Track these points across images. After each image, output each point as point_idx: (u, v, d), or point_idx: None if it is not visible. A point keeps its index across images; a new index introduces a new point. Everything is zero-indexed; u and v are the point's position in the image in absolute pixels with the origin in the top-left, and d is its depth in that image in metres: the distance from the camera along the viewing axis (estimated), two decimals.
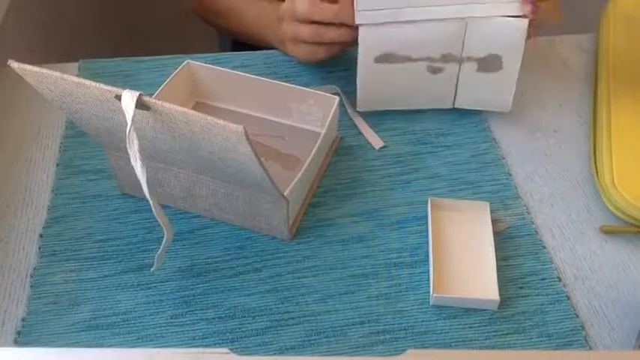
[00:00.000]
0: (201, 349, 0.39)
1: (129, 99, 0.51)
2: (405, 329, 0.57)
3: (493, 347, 0.56)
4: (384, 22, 0.67)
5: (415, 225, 0.65)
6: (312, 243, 0.63)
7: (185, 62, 0.72)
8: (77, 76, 0.54)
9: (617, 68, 0.78)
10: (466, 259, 0.61)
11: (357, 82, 0.72)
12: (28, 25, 0.95)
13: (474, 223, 0.64)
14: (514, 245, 0.64)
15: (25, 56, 0.89)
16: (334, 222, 0.65)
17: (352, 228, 0.65)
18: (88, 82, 0.52)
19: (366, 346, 0.56)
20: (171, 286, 0.60)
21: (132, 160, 0.52)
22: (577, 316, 0.58)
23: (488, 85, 0.72)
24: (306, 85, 0.74)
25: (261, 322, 0.58)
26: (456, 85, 0.72)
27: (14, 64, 0.53)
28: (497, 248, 0.62)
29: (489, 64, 0.70)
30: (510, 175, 0.70)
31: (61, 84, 0.53)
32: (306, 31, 0.71)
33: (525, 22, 0.67)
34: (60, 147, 0.72)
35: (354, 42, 0.69)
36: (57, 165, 0.70)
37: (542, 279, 0.61)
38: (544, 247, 0.63)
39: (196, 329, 0.57)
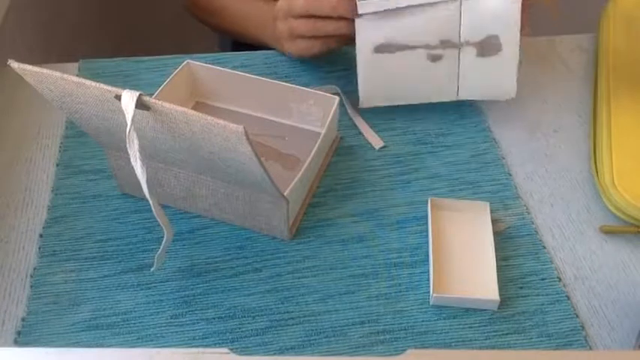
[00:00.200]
0: (201, 349, 0.39)
1: (129, 99, 0.51)
2: (405, 329, 0.57)
3: (493, 347, 0.56)
4: (383, 10, 0.67)
5: (415, 225, 0.65)
6: (312, 243, 0.63)
7: (185, 62, 0.72)
8: (77, 76, 0.54)
9: (617, 68, 0.78)
10: (466, 259, 0.62)
11: (358, 77, 0.72)
12: (28, 25, 0.95)
13: (474, 223, 0.64)
14: (514, 245, 0.64)
15: (25, 56, 0.89)
16: (334, 222, 0.65)
17: (352, 228, 0.65)
18: (88, 82, 0.52)
19: (366, 346, 0.56)
20: (171, 286, 0.60)
21: (132, 160, 0.52)
22: (577, 316, 0.58)
23: (490, 71, 0.72)
24: (306, 85, 0.74)
25: (261, 322, 0.58)
26: (458, 73, 0.72)
27: (14, 64, 0.53)
28: (497, 248, 0.62)
29: (488, 47, 0.70)
30: (510, 175, 0.70)
31: (61, 84, 0.53)
32: (302, 25, 0.71)
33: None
34: (60, 147, 0.72)
35: (352, 36, 0.69)
36: (57, 165, 0.70)
37: (542, 279, 0.61)
38: (544, 247, 0.63)
39: (196, 329, 0.57)
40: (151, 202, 0.54)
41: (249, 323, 0.57)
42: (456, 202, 0.65)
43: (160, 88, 0.69)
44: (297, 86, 0.70)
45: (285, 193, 0.58)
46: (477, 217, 0.64)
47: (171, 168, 0.61)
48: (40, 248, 0.62)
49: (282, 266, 0.61)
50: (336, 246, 0.63)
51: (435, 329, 0.57)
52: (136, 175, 0.53)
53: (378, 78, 0.72)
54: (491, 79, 0.73)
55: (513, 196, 0.68)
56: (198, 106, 0.74)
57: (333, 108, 0.67)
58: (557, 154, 0.73)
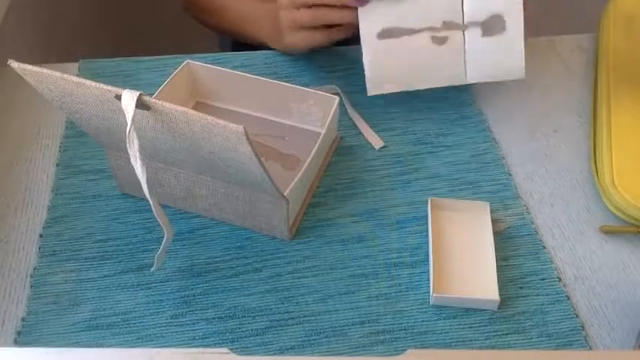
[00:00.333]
0: (201, 349, 0.39)
1: (129, 99, 0.51)
2: (405, 329, 0.57)
3: (493, 347, 0.56)
4: None
5: (415, 225, 0.65)
6: (312, 243, 0.63)
7: (185, 62, 0.72)
8: (77, 76, 0.54)
9: (617, 68, 0.78)
10: (466, 259, 0.62)
11: (364, 64, 0.71)
12: (28, 25, 0.95)
13: (474, 223, 0.64)
14: (514, 245, 0.64)
15: (25, 56, 0.89)
16: (334, 222, 0.65)
17: (352, 228, 0.65)
18: (88, 82, 0.51)
19: (366, 346, 0.56)
20: (171, 286, 0.60)
21: (132, 160, 0.52)
22: (577, 316, 0.58)
23: (497, 51, 0.71)
24: (306, 85, 0.74)
25: (261, 322, 0.58)
26: (465, 55, 0.72)
27: (14, 64, 0.53)
28: (497, 248, 0.62)
29: (492, 26, 0.70)
30: (510, 175, 0.70)
31: (61, 84, 0.53)
32: (305, 14, 0.71)
33: None
34: (60, 147, 0.72)
35: (354, 25, 0.69)
36: (57, 165, 0.70)
37: (542, 279, 0.61)
38: (544, 247, 0.63)
39: (196, 329, 0.57)
40: (151, 202, 0.54)
41: (249, 323, 0.57)
42: (456, 202, 0.65)
43: (160, 88, 0.69)
44: (297, 86, 0.70)
45: (285, 193, 0.58)
46: (477, 217, 0.64)
47: (171, 168, 0.61)
48: (40, 248, 0.62)
49: (282, 266, 0.61)
50: (336, 246, 0.63)
51: (435, 329, 0.57)
52: (136, 175, 0.53)
53: (384, 64, 0.72)
54: (498, 59, 0.72)
55: (513, 196, 0.68)
56: (199, 106, 0.74)
57: (333, 108, 0.67)
58: (557, 154, 0.73)
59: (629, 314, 0.59)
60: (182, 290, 0.60)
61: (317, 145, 0.64)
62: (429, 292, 0.59)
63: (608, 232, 0.65)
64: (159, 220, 0.55)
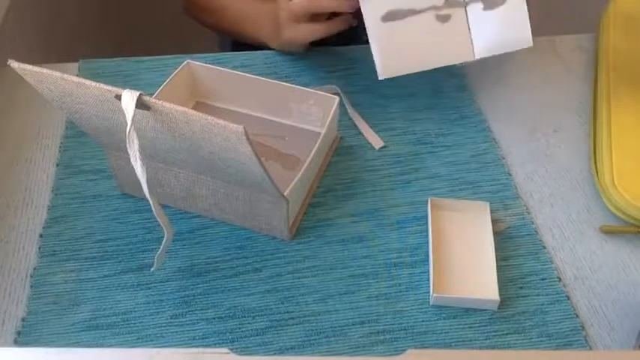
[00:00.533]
0: (201, 349, 0.39)
1: (129, 99, 0.51)
2: (405, 329, 0.57)
3: (493, 347, 0.56)
4: None
5: (415, 225, 0.65)
6: (312, 243, 0.63)
7: (185, 62, 0.72)
8: (77, 76, 0.54)
9: (617, 68, 0.78)
10: (466, 259, 0.61)
11: (372, 49, 0.71)
12: (28, 25, 0.95)
13: (474, 223, 0.64)
14: (514, 245, 0.64)
15: (25, 56, 0.89)
16: (334, 222, 0.65)
17: (352, 228, 0.65)
18: (88, 82, 0.51)
19: (366, 346, 0.56)
20: (171, 286, 0.60)
21: (132, 160, 0.52)
22: (577, 316, 0.58)
23: (501, 23, 0.71)
24: (306, 85, 0.74)
25: (261, 322, 0.58)
26: (469, 31, 0.72)
27: (14, 64, 0.53)
28: (497, 248, 0.62)
29: None
30: (510, 175, 0.70)
31: (61, 84, 0.53)
32: (303, 2, 0.71)
33: None
34: (60, 147, 0.72)
35: (353, 13, 0.69)
36: (57, 165, 0.70)
37: (542, 279, 0.61)
38: (544, 247, 0.63)
39: (196, 329, 0.57)
40: (151, 202, 0.54)
41: (249, 323, 0.57)
42: (456, 202, 0.65)
43: (160, 88, 0.69)
44: (297, 86, 0.70)
45: (285, 193, 0.58)
46: (477, 217, 0.64)
47: (171, 168, 0.61)
48: (40, 248, 0.62)
49: (282, 266, 0.61)
50: (336, 246, 0.63)
51: (435, 329, 0.57)
52: (136, 175, 0.53)
53: (391, 47, 0.71)
54: (503, 31, 0.72)
55: (513, 196, 0.68)
56: (199, 106, 0.74)
57: (333, 108, 0.67)
58: (557, 154, 0.73)
59: (629, 314, 0.59)
60: (182, 290, 0.60)
61: (317, 145, 0.64)
62: (429, 292, 0.59)
63: (608, 232, 0.65)
64: (159, 220, 0.55)
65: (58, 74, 0.52)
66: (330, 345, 0.56)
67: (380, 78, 0.72)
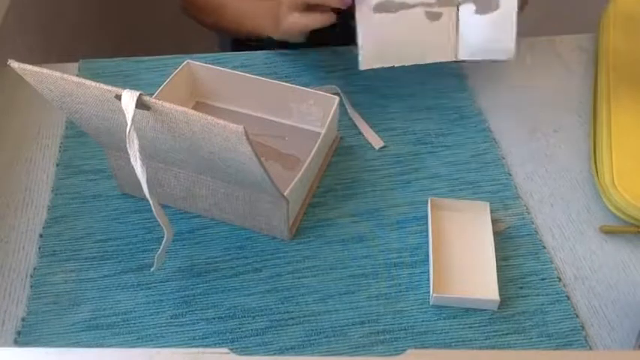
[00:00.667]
0: (201, 349, 0.39)
1: (129, 99, 0.51)
2: (405, 329, 0.57)
3: (493, 347, 0.56)
4: None
5: (415, 225, 0.65)
6: (312, 243, 0.63)
7: (185, 62, 0.72)
8: (77, 76, 0.54)
9: (617, 68, 0.78)
10: (466, 259, 0.61)
11: (358, 37, 0.71)
12: (28, 25, 0.95)
13: (474, 223, 0.64)
14: (514, 245, 0.64)
15: (25, 56, 0.89)
16: (334, 222, 0.65)
17: (352, 228, 0.65)
18: (88, 82, 0.51)
19: (366, 346, 0.56)
20: (171, 286, 0.60)
21: (132, 160, 0.52)
22: (577, 316, 0.58)
23: (489, 29, 0.71)
24: (306, 85, 0.74)
25: (261, 322, 0.58)
26: (457, 32, 0.72)
27: (14, 64, 0.53)
28: (497, 248, 0.62)
29: (486, 3, 0.70)
30: (510, 175, 0.70)
31: (61, 84, 0.53)
32: None
33: None
34: (60, 147, 0.72)
35: (350, 3, 0.69)
36: (57, 165, 0.70)
37: (542, 279, 0.61)
38: (544, 247, 0.63)
39: (196, 329, 0.57)
40: (151, 202, 0.54)
41: (249, 323, 0.57)
42: (456, 202, 0.65)
43: (160, 88, 0.69)
44: (297, 86, 0.70)
45: (285, 193, 0.58)
46: (477, 217, 0.64)
47: (171, 168, 0.61)
48: (40, 248, 0.62)
49: (282, 266, 0.61)
50: (336, 246, 0.63)
51: (435, 329, 0.57)
52: (136, 175, 0.53)
53: (377, 39, 0.71)
54: (490, 38, 0.72)
55: (513, 196, 0.68)
56: (199, 106, 0.74)
57: (333, 108, 0.67)
58: (557, 154, 0.73)
59: (629, 314, 0.59)
60: (182, 290, 0.60)
61: (317, 145, 0.64)
62: (429, 292, 0.59)
63: (608, 232, 0.65)
64: (159, 220, 0.55)
65: (58, 74, 0.52)
66: (330, 345, 0.56)
67: (361, 68, 0.72)
